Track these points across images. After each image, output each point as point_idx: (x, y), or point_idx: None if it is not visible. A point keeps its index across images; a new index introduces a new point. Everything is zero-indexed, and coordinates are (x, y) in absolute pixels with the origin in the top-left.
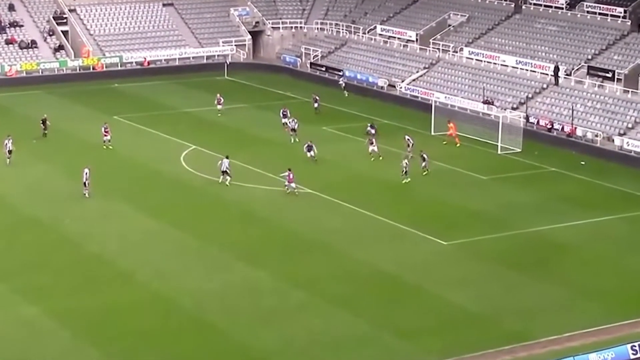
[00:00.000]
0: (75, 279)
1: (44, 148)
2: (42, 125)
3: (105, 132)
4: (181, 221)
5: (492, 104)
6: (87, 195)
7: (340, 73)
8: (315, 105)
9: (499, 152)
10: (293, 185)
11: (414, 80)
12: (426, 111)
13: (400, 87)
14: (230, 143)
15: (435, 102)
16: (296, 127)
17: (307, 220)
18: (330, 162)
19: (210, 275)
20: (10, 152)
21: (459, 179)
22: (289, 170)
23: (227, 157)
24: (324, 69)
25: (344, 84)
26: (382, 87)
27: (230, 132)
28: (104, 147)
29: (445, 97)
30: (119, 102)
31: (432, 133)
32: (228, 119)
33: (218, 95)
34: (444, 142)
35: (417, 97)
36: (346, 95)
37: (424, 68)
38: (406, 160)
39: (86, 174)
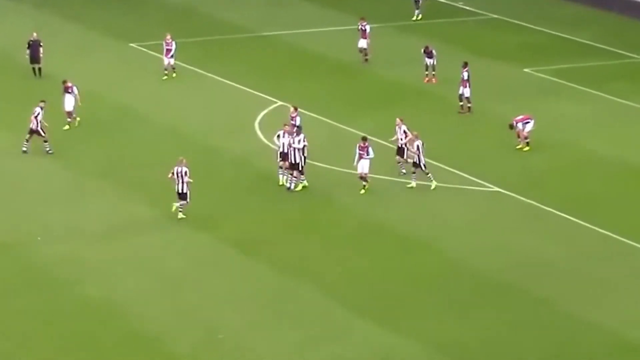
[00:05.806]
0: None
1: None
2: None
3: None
4: (249, 238)
5: None
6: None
7: None
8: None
9: None
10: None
11: None
12: None
13: None
14: (347, 97)
15: None
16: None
17: (499, 245)
18: (540, 140)
19: (311, 337)
20: (40, 130)
21: None
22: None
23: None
24: None
25: None
26: None
27: (346, 73)
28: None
29: None
30: (143, 16)
31: None
32: (339, 53)
33: (168, 36)
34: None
35: None
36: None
37: None
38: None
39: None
